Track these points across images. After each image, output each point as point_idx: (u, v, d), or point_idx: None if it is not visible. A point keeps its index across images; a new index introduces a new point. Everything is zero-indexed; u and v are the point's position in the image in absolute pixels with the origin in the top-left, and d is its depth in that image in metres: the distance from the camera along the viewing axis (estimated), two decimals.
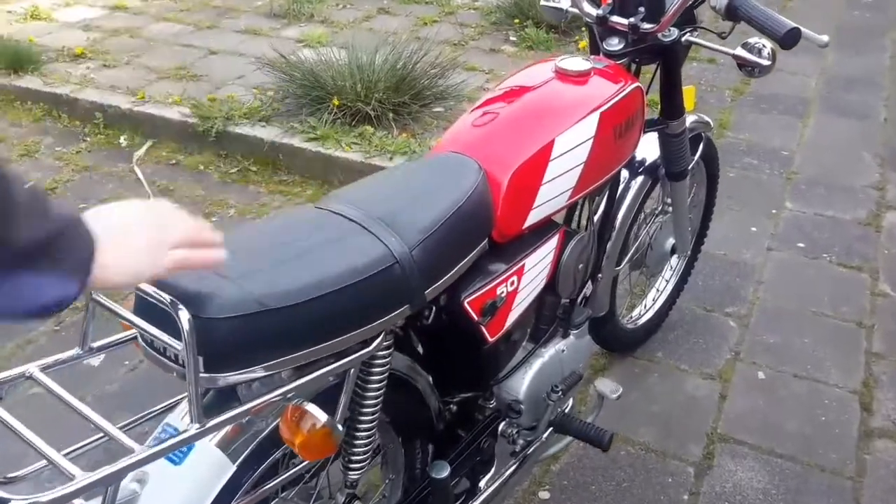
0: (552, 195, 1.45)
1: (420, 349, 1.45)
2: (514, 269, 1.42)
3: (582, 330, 1.75)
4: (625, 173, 1.95)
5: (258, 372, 1.02)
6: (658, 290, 2.44)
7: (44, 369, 1.00)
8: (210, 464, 1.09)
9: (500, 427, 1.61)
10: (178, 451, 1.09)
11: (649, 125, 1.83)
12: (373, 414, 1.27)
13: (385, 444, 1.54)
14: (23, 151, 3.51)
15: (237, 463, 1.11)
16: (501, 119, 1.47)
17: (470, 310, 1.35)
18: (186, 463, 1.08)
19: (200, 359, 0.96)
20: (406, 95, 3.46)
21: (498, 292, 1.39)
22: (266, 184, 3.31)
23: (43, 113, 3.83)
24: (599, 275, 1.87)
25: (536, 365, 1.64)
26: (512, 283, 1.42)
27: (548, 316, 1.66)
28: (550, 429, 1.69)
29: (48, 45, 4.30)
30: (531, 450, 1.68)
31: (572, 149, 1.46)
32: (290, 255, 1.10)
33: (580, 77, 1.55)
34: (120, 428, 0.93)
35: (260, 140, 3.37)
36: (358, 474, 1.30)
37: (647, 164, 1.97)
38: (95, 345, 1.07)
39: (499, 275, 1.39)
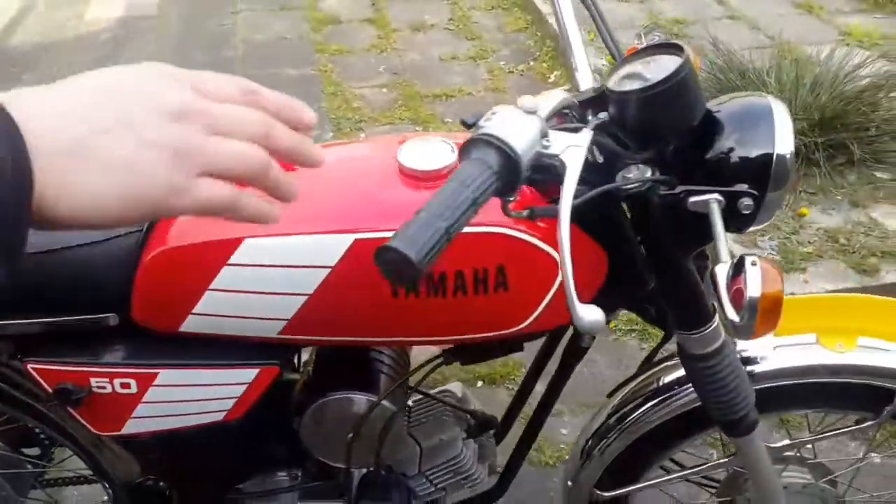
0: (237, 311, 0.97)
1: None
2: (136, 371, 1.03)
3: None
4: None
5: None
6: None
7: None
8: None
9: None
10: None
11: None
12: None
13: None
14: None
15: None
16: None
17: (38, 377, 1.04)
18: None
19: None
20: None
21: (92, 383, 1.03)
22: None
23: None
24: None
25: None
26: (126, 386, 1.03)
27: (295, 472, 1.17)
28: None
29: None
30: None
31: (276, 266, 0.93)
32: None
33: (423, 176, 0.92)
34: None
35: None
36: None
37: None
38: None
39: (98, 363, 1.03)
